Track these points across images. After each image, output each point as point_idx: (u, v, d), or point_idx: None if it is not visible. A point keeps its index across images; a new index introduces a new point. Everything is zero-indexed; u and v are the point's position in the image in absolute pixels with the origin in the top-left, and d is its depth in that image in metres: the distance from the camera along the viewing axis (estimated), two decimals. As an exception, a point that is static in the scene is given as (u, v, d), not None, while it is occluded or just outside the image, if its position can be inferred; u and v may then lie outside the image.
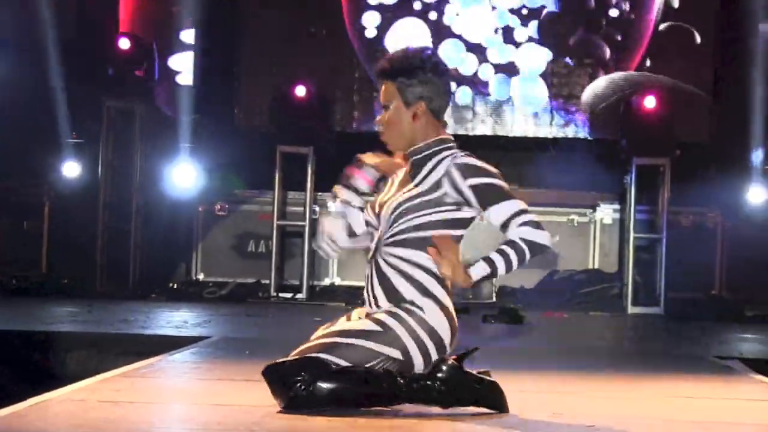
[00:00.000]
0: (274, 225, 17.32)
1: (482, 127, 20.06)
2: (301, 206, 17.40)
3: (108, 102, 17.50)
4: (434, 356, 5.58)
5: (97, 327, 11.86)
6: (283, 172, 17.36)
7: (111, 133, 17.45)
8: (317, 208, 17.42)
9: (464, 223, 5.56)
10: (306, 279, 17.28)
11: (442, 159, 5.67)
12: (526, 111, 19.99)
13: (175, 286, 17.49)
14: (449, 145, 5.77)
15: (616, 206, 18.10)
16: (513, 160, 18.86)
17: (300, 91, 18.59)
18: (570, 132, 19.68)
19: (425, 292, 5.60)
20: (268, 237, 17.42)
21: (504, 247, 5.36)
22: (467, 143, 19.32)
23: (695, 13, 19.61)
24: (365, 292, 5.84)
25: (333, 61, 19.84)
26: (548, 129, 19.69)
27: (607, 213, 18.13)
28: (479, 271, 5.33)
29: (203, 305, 15.52)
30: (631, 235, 16.99)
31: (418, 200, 5.61)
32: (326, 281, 17.55)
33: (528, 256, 5.37)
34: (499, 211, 5.47)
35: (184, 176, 17.63)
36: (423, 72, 5.80)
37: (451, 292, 5.68)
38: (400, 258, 5.63)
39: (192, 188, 17.71)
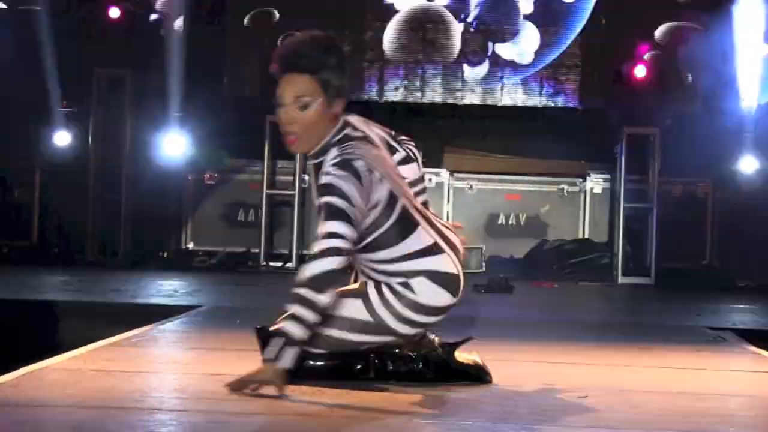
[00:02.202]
0: (264, 194, 17.36)
1: (471, 96, 20.05)
2: (290, 175, 17.42)
3: (98, 70, 17.49)
4: None
5: (88, 296, 11.87)
6: (273, 142, 17.34)
7: (101, 102, 17.45)
8: (306, 177, 17.42)
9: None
10: (295, 248, 17.31)
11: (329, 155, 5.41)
12: (515, 80, 19.98)
13: (166, 255, 17.50)
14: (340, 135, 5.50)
15: (607, 176, 18.08)
16: (502, 129, 18.87)
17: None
18: (560, 101, 19.67)
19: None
20: (258, 206, 17.45)
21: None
22: (456, 112, 19.47)
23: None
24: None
25: (321, 29, 19.73)
26: (537, 98, 19.67)
27: (597, 182, 18.12)
28: (276, 352, 5.23)
29: (193, 274, 15.54)
30: (622, 204, 17.01)
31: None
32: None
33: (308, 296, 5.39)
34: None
35: (174, 145, 17.62)
36: (339, 59, 5.59)
37: None
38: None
39: (182, 157, 17.70)
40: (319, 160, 5.44)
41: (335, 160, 5.27)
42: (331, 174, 5.21)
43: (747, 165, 16.67)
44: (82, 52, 17.70)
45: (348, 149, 5.33)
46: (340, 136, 5.45)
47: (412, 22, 19.66)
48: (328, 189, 5.22)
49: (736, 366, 7.51)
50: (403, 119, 18.79)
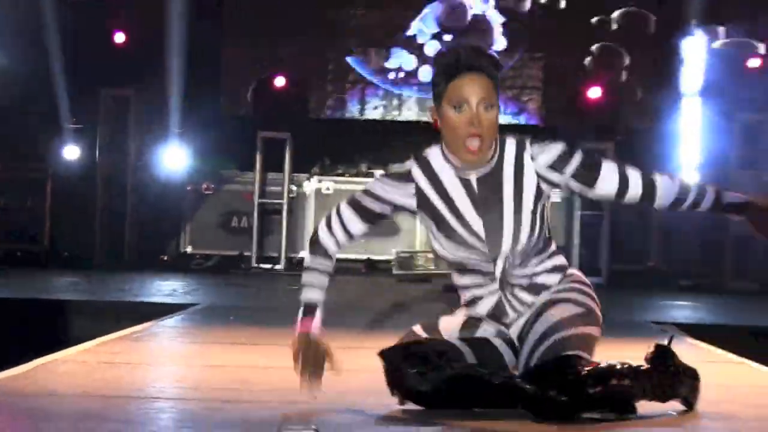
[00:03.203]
0: (256, 203, 17.37)
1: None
2: (279, 186, 17.42)
3: (105, 90, 17.50)
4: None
5: (95, 296, 11.87)
6: (264, 155, 17.41)
7: (107, 119, 17.46)
8: (294, 188, 17.48)
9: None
10: (284, 251, 17.33)
11: (515, 155, 4.78)
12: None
13: (166, 259, 17.49)
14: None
15: (564, 186, 18.03)
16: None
17: (279, 81, 18.67)
18: (522, 120, 19.71)
19: (560, 268, 4.95)
20: (250, 213, 17.44)
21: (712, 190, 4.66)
22: (429, 129, 19.45)
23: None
24: (507, 307, 4.87)
25: (309, 54, 19.83)
26: (502, 117, 19.67)
27: (555, 192, 18.07)
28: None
29: (191, 275, 15.53)
30: (578, 212, 17.05)
31: (535, 215, 4.78)
32: (302, 253, 17.52)
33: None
34: (613, 180, 4.73)
35: (174, 159, 17.64)
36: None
37: None
38: (533, 274, 4.86)
39: (181, 169, 17.72)
40: (495, 166, 4.76)
41: (535, 143, 4.80)
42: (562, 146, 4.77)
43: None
44: (89, 72, 17.68)
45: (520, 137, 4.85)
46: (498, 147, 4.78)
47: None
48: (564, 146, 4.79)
49: (679, 350, 7.56)
50: (382, 135, 18.84)
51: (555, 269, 4.92)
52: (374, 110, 19.90)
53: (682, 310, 12.27)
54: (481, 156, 4.67)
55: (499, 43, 19.73)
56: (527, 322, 4.81)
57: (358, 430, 4.31)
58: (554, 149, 4.78)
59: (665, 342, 5.09)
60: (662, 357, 5.02)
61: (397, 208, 4.87)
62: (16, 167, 17.71)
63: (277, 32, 19.63)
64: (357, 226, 4.89)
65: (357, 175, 18.00)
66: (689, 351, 8.21)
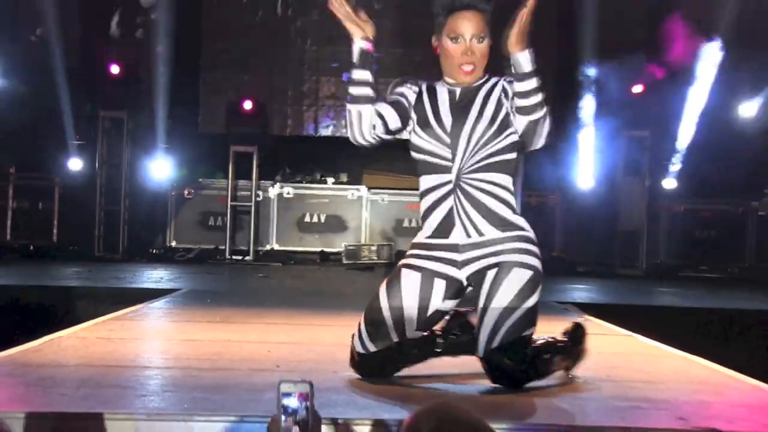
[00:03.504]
0: (228, 205, 17.31)
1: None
2: (248, 191, 17.37)
3: (102, 113, 17.43)
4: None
5: (94, 282, 11.81)
6: (235, 166, 17.37)
7: (105, 136, 17.38)
8: (260, 193, 17.44)
9: (519, 145, 4.76)
10: (252, 245, 17.27)
11: (494, 84, 4.85)
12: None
13: (154, 251, 17.41)
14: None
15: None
16: (406, 157, 18.87)
17: (247, 105, 18.55)
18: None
19: (514, 209, 4.83)
20: (224, 214, 17.37)
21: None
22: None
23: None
24: (458, 221, 4.79)
25: (271, 82, 19.82)
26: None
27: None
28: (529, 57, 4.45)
29: (175, 265, 15.47)
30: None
31: (492, 128, 4.74)
32: (267, 247, 17.50)
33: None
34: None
35: (160, 169, 17.56)
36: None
37: None
38: (490, 182, 4.73)
39: (166, 178, 17.66)
40: (483, 91, 4.81)
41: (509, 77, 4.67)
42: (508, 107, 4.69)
43: (583, 182, 16.80)
44: (90, 98, 17.61)
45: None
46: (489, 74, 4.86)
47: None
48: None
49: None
50: (332, 150, 18.81)
51: (507, 205, 4.81)
52: (326, 128, 19.87)
53: (580, 292, 12.35)
54: (474, 76, 4.80)
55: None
56: (484, 290, 4.72)
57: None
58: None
59: (580, 320, 5.18)
60: (577, 332, 5.11)
61: (405, 98, 4.91)
62: (29, 177, 17.63)
63: (245, 64, 19.62)
64: (385, 109, 4.83)
65: (312, 181, 18.01)
66: (586, 325, 8.27)
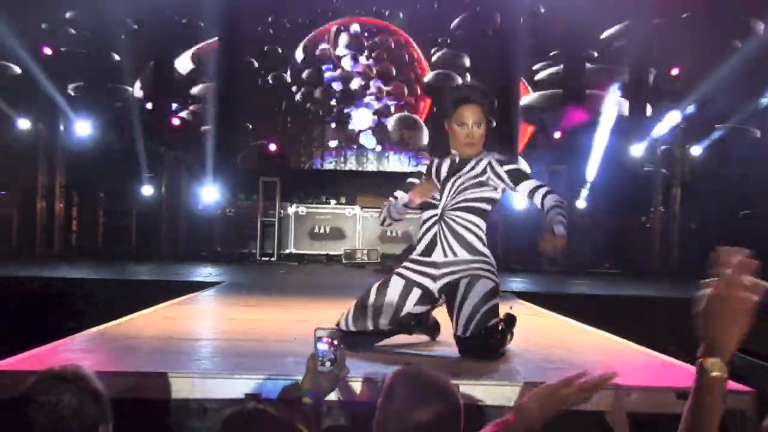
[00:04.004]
0: (259, 220, 17.28)
1: (371, 165, 20.17)
2: (273, 209, 17.32)
3: (167, 153, 17.44)
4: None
5: (162, 276, 11.79)
6: (264, 191, 17.35)
7: (169, 170, 17.36)
8: (282, 211, 17.41)
9: (493, 201, 4.91)
10: (276, 249, 17.23)
11: (482, 158, 4.92)
12: (397, 156, 20.10)
13: (205, 254, 17.35)
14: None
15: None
16: (391, 182, 18.89)
17: (272, 147, 18.63)
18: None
19: (483, 242, 4.84)
20: (256, 226, 17.35)
21: (558, 214, 4.64)
22: (363, 174, 19.38)
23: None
24: (439, 244, 4.87)
25: (289, 131, 19.86)
26: (407, 165, 19.74)
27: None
28: (562, 231, 4.53)
29: (220, 265, 15.43)
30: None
31: (473, 180, 4.85)
32: (287, 251, 17.45)
33: (565, 212, 4.73)
34: (525, 186, 4.81)
35: (209, 194, 17.55)
36: (491, 103, 5.15)
37: None
38: (466, 220, 4.81)
39: (214, 200, 17.64)
40: (473, 161, 4.90)
41: (500, 158, 4.94)
42: (506, 162, 4.91)
43: (518, 204, 16.73)
44: (158, 142, 17.63)
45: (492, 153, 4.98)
46: (486, 150, 4.96)
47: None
48: (513, 163, 5.01)
49: (514, 308, 7.61)
50: (335, 179, 18.89)
51: (478, 239, 4.87)
52: (329, 164, 19.94)
53: (515, 283, 12.32)
54: (474, 150, 4.90)
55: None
56: (459, 292, 4.77)
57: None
58: (503, 160, 4.96)
59: (510, 311, 5.23)
60: (510, 319, 5.14)
61: (429, 169, 5.11)
62: (114, 200, 17.63)
63: (270, 120, 19.71)
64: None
65: (319, 203, 18.00)
66: (520, 307, 8.27)
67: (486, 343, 4.70)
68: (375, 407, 2.46)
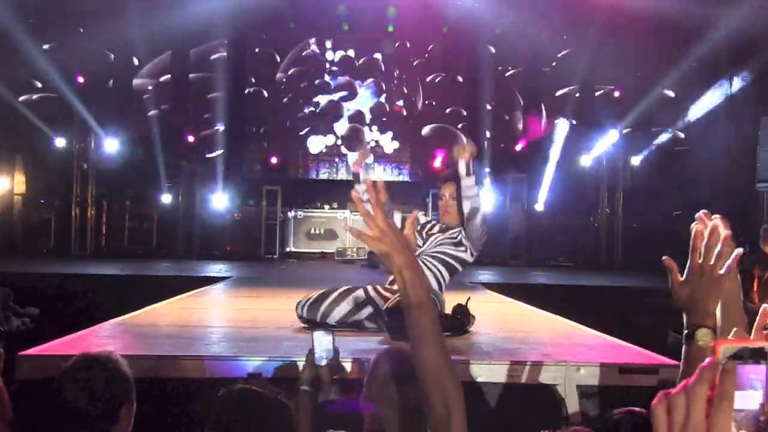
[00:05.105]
0: (263, 223, 17.25)
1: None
2: (275, 213, 17.31)
3: (183, 165, 17.41)
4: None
5: (179, 272, 11.76)
6: (267, 198, 17.32)
7: (185, 180, 17.33)
8: (282, 215, 17.38)
9: (460, 259, 5.00)
10: (278, 248, 17.22)
11: (457, 228, 5.01)
12: (384, 168, 20.13)
13: (216, 253, 17.29)
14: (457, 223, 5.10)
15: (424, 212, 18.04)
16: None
17: (274, 159, 18.59)
18: (403, 175, 19.78)
19: (440, 287, 4.95)
20: (260, 228, 17.33)
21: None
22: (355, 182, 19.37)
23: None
24: None
25: (289, 146, 19.84)
26: (390, 174, 19.75)
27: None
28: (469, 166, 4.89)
29: (230, 261, 15.41)
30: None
31: (448, 240, 4.97)
32: (287, 249, 17.45)
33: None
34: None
35: (219, 201, 17.54)
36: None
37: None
38: (437, 269, 4.92)
39: (224, 207, 17.63)
40: (447, 228, 5.09)
41: (462, 233, 5.04)
42: (464, 238, 5.01)
43: (486, 207, 16.73)
44: (175, 155, 17.61)
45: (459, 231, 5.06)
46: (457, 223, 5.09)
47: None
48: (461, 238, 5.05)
49: (484, 299, 7.64)
50: (327, 188, 18.86)
51: (436, 281, 4.93)
52: (324, 174, 19.90)
53: (484, 275, 12.36)
54: (448, 219, 5.11)
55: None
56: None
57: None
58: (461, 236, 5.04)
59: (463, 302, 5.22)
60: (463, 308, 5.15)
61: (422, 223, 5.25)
62: (138, 206, 17.62)
63: (272, 136, 19.70)
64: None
65: (314, 208, 17.97)
66: (488, 296, 8.29)
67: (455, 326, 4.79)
68: (362, 384, 2.48)
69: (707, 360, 0.96)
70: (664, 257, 1.74)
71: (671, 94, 17.21)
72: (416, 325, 1.86)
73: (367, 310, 4.90)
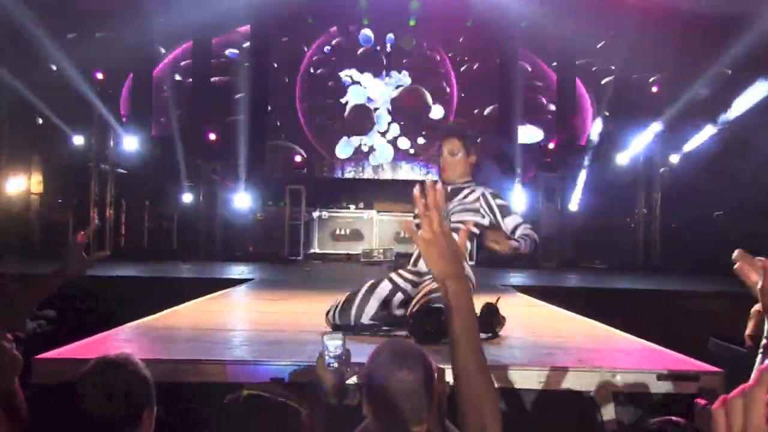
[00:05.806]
0: (286, 223, 17.30)
1: (384, 174, 20.18)
2: (299, 214, 17.36)
3: (203, 165, 17.48)
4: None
5: (200, 274, 11.80)
6: (291, 198, 17.35)
7: (206, 180, 17.41)
8: (307, 215, 17.42)
9: (482, 227, 4.94)
10: (302, 249, 17.27)
11: (475, 188, 5.02)
12: (408, 165, 20.12)
13: (238, 254, 17.38)
14: (474, 180, 5.12)
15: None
16: (403, 189, 18.89)
17: (297, 158, 18.60)
18: (431, 175, 19.74)
19: (465, 259, 4.71)
20: (283, 228, 17.37)
21: (522, 237, 4.72)
22: (379, 182, 19.34)
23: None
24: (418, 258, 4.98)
25: (313, 144, 19.88)
26: (419, 174, 19.75)
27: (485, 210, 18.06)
28: (513, 243, 4.58)
29: (252, 263, 15.45)
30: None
31: (466, 206, 4.90)
32: (311, 251, 17.50)
33: (531, 243, 4.73)
34: (511, 221, 4.92)
35: (242, 201, 17.62)
36: (471, 137, 5.14)
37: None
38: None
39: (246, 207, 17.70)
40: (456, 187, 5.04)
41: (494, 191, 5.03)
42: (499, 196, 5.02)
43: (517, 206, 16.68)
44: (195, 156, 17.70)
45: (487, 186, 5.09)
46: (471, 178, 5.11)
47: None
48: (502, 197, 5.04)
49: (515, 301, 7.59)
50: (353, 187, 18.88)
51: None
52: (348, 173, 19.96)
53: (515, 278, 12.29)
54: (449, 176, 5.02)
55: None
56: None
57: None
58: (496, 193, 5.03)
59: (494, 301, 5.18)
60: (492, 308, 5.09)
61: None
62: (159, 207, 17.74)
63: (295, 135, 19.74)
64: None
65: (339, 208, 18.00)
66: (519, 299, 8.25)
67: (416, 326, 4.56)
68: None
69: (767, 363, 0.94)
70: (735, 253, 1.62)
71: (711, 88, 17.03)
72: (457, 345, 1.85)
73: (398, 297, 4.89)
